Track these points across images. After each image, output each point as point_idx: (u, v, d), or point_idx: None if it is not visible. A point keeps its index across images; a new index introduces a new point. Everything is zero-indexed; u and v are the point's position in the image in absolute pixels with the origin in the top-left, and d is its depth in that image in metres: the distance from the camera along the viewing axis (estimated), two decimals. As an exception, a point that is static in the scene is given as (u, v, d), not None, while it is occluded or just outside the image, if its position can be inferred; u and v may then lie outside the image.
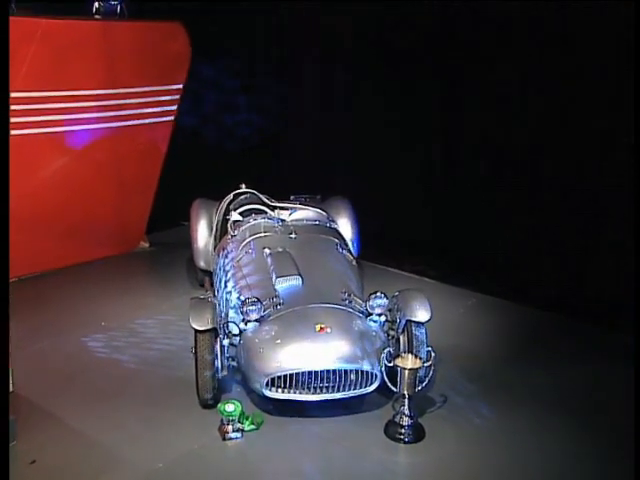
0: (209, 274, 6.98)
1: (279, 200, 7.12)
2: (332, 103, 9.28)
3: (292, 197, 7.54)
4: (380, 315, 5.22)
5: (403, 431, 4.88)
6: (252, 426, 4.96)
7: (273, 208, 6.83)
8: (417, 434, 4.90)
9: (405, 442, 4.86)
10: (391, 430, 4.93)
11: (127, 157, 8.24)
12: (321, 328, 4.95)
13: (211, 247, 7.03)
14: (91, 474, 4.51)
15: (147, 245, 8.83)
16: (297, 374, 4.87)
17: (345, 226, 7.22)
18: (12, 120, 6.69)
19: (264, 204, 6.90)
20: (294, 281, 5.43)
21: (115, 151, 8.10)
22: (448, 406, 5.32)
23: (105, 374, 5.74)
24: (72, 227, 7.96)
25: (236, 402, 4.95)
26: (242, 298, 5.31)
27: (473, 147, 8.09)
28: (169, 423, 5.05)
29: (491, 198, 7.98)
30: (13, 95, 6.64)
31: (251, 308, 5.06)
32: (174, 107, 8.47)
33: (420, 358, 4.91)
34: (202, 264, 7.13)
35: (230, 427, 4.89)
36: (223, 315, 5.66)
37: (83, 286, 7.54)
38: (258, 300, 5.11)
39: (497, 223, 7.92)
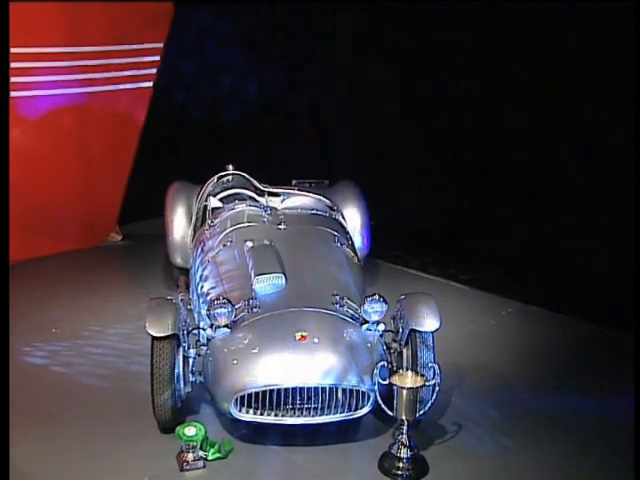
0: (187, 272, 7.07)
1: (276, 185, 7.20)
2: (352, 81, 9.44)
3: (294, 182, 7.64)
4: (378, 323, 5.24)
5: (401, 465, 4.88)
6: (218, 454, 5.00)
7: (263, 193, 6.90)
8: (418, 469, 4.90)
9: (403, 479, 4.87)
10: (387, 464, 4.94)
11: (95, 130, 8.40)
12: (302, 336, 4.98)
13: (189, 240, 7.12)
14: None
15: (119, 238, 8.98)
16: (272, 392, 4.91)
17: (353, 217, 7.27)
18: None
19: (253, 189, 6.97)
20: (275, 280, 5.48)
21: (80, 123, 8.28)
22: (461, 437, 5.32)
23: (49, 391, 5.84)
24: (27, 214, 8.11)
25: (199, 425, 5.00)
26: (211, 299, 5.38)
27: (513, 145, 8.33)
28: (118, 450, 5.12)
29: (537, 196, 8.15)
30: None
31: (219, 311, 5.11)
32: (153, 70, 8.61)
33: (422, 375, 4.92)
34: (179, 260, 7.23)
35: (190, 455, 4.93)
36: (195, 320, 5.75)
37: (36, 285, 7.72)
38: (228, 302, 5.16)
39: (543, 225, 8.07)
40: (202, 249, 6.36)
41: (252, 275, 5.56)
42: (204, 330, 5.31)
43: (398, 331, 5.39)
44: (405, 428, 4.91)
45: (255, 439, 5.22)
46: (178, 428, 5.00)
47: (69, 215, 8.48)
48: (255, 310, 5.27)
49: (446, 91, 8.62)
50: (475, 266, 8.24)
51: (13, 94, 7.69)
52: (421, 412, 4.98)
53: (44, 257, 8.29)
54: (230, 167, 7.31)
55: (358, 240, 7.18)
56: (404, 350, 5.31)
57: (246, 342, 5.06)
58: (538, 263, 8.00)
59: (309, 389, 4.94)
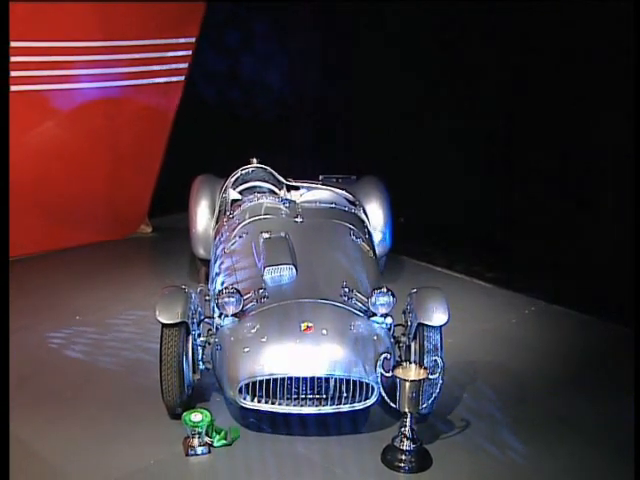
0: (209, 264, 7.20)
1: (302, 179, 7.32)
2: (382, 77, 9.55)
3: (321, 177, 7.75)
4: (386, 316, 5.30)
5: (403, 457, 4.94)
6: (223, 441, 5.12)
7: (283, 187, 7.01)
8: (420, 462, 4.96)
9: (405, 471, 4.93)
10: (389, 456, 5.00)
11: (126, 124, 8.56)
12: (307, 327, 5.07)
13: (212, 232, 7.26)
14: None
15: (149, 230, 9.16)
16: (275, 381, 5.00)
17: (375, 212, 7.34)
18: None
19: (274, 182, 7.07)
20: (286, 271, 5.58)
21: (111, 116, 8.44)
22: (468, 433, 5.36)
23: (66, 376, 6.03)
24: (59, 206, 8.35)
25: (205, 411, 5.12)
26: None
27: (541, 142, 8.34)
28: (127, 434, 5.27)
29: (565, 196, 8.15)
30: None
31: (227, 300, 5.23)
32: (185, 65, 8.75)
33: (426, 368, 4.97)
34: (201, 252, 7.36)
35: (196, 441, 5.05)
36: (211, 310, 5.87)
37: (63, 275, 7.93)
38: (237, 291, 5.27)
39: (573, 224, 8.05)
40: (220, 240, 6.49)
41: (263, 266, 5.67)
42: (213, 319, 5.43)
43: (407, 325, 5.45)
44: (408, 421, 4.96)
45: (262, 428, 5.33)
46: (185, 414, 5.12)
47: (99, 207, 8.67)
48: (264, 300, 5.37)
49: (475, 88, 8.66)
50: (502, 264, 8.24)
51: (48, 87, 7.91)
52: (424, 405, 5.03)
53: (74, 247, 8.50)
54: (254, 160, 7.44)
55: (379, 235, 7.26)
56: (412, 344, 5.37)
57: (253, 331, 5.16)
58: (566, 262, 7.97)
59: (313, 379, 5.02)
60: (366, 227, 6.79)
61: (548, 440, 5.33)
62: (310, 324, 5.10)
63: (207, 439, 5.09)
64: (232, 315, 5.27)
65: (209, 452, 5.06)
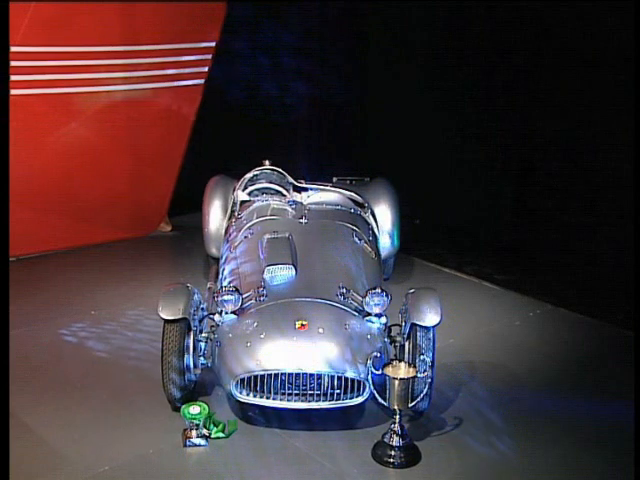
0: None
1: (315, 182, 7.46)
2: (400, 81, 9.66)
3: (335, 179, 7.88)
4: (380, 316, 5.41)
5: (393, 453, 5.04)
6: (220, 433, 5.27)
7: (293, 188, 7.15)
8: (409, 458, 5.05)
9: (394, 466, 5.03)
10: (379, 451, 5.10)
11: (147, 125, 8.74)
12: (302, 325, 5.20)
13: (224, 232, 7.41)
14: (25, 475, 4.88)
15: (168, 229, 9.34)
16: (270, 376, 5.14)
17: (383, 214, 7.44)
18: (11, 78, 7.35)
19: (282, 183, 7.21)
20: (285, 271, 5.71)
21: (133, 118, 8.62)
22: (460, 431, 5.43)
23: (76, 368, 6.21)
24: (80, 204, 8.55)
25: (203, 404, 5.28)
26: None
27: (549, 145, 8.42)
28: (130, 424, 5.44)
29: (579, 198, 8.19)
30: (13, 50, 7.29)
31: (226, 298, 5.37)
32: (205, 69, 8.91)
33: (415, 367, 5.07)
34: (213, 251, 7.53)
35: (194, 432, 5.20)
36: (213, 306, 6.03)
37: (84, 270, 8.13)
38: (236, 289, 5.42)
39: (586, 226, 8.08)
40: (228, 240, 6.66)
41: (264, 265, 5.80)
42: (213, 315, 5.58)
43: (403, 324, 5.55)
44: (398, 417, 5.07)
45: (259, 422, 5.46)
46: (183, 407, 5.28)
47: (121, 206, 8.86)
48: (262, 299, 5.50)
49: (484, 91, 8.72)
50: (512, 267, 8.31)
51: (73, 90, 8.12)
52: (413, 403, 5.13)
53: (96, 244, 8.72)
54: (267, 162, 7.58)
55: (387, 237, 7.37)
56: (406, 343, 5.47)
57: (251, 328, 5.30)
58: (576, 265, 8.00)
59: (305, 375, 5.15)
60: (371, 229, 6.90)
61: (541, 439, 5.37)
62: (305, 322, 5.22)
63: (205, 431, 5.24)
64: (231, 312, 5.42)
65: (206, 444, 5.21)
